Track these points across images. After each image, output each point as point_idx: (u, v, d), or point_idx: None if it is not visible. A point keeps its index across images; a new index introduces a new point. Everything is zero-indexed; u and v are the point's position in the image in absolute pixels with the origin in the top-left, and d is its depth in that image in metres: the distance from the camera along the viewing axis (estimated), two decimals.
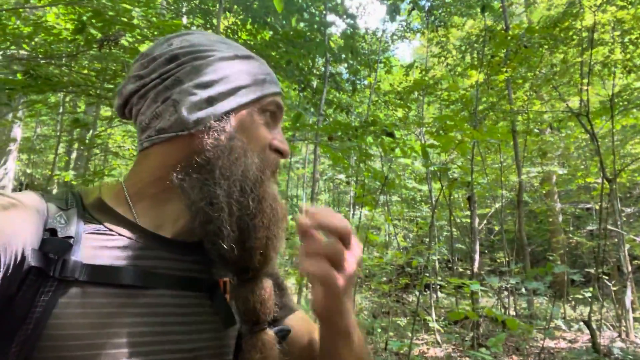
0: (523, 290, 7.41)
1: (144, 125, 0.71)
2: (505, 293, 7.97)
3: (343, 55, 6.04)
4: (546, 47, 7.13)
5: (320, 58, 5.72)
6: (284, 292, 0.87)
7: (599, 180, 7.68)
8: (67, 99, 9.33)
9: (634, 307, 7.41)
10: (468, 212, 8.84)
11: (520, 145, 8.69)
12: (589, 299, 6.41)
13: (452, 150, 4.11)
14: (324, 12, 5.86)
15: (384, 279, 9.42)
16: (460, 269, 10.47)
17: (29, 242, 0.57)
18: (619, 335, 6.59)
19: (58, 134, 10.43)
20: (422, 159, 4.31)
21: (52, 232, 0.61)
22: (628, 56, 7.61)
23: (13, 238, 0.55)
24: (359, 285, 7.81)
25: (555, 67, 7.92)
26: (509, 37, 5.92)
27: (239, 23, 5.93)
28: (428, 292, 8.06)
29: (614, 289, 7.03)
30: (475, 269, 6.58)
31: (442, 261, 10.72)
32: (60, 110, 9.37)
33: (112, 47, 3.77)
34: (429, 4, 8.73)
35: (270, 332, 0.70)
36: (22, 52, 4.66)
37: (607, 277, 6.93)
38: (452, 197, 8.71)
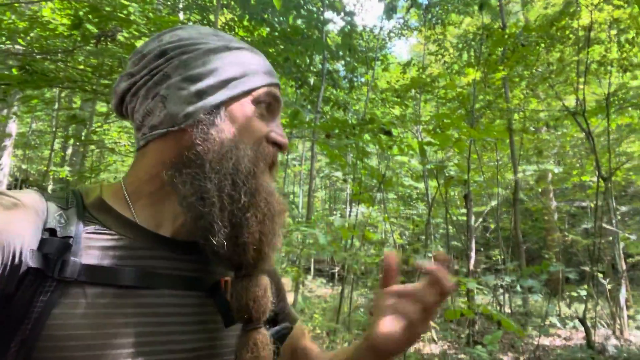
0: (518, 288, 7.44)
1: (139, 123, 0.71)
2: (501, 291, 8.00)
3: (340, 53, 6.03)
4: (543, 45, 7.14)
5: (317, 55, 5.71)
6: (281, 292, 0.86)
7: (595, 179, 7.72)
8: (63, 94, 9.29)
9: (628, 305, 7.46)
10: (464, 210, 8.86)
11: (516, 144, 8.72)
12: (584, 297, 6.45)
13: (448, 148, 4.12)
14: (322, 8, 5.85)
15: (380, 276, 9.45)
16: (456, 267, 10.48)
17: (27, 242, 0.57)
18: (613, 333, 6.63)
19: (54, 129, 10.38)
20: (419, 157, 4.31)
21: (52, 232, 0.60)
22: (624, 55, 7.63)
23: (11, 237, 0.55)
24: (356, 282, 7.83)
25: (552, 65, 7.94)
26: (506, 36, 5.93)
27: (236, 19, 5.91)
28: None
29: (609, 287, 7.07)
30: (472, 267, 6.60)
31: None
32: (56, 105, 9.33)
33: (109, 43, 3.75)
34: (426, 1, 8.73)
35: (264, 332, 0.68)
36: (17, 47, 4.63)
37: (601, 275, 6.96)
38: (448, 195, 8.73)
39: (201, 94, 0.67)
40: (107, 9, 3.76)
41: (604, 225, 7.14)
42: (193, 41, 0.70)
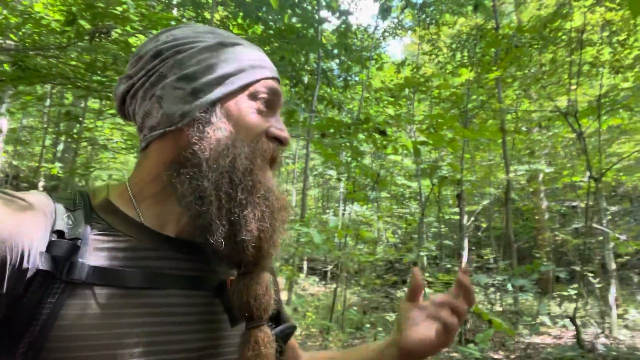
0: (509, 286, 7.51)
1: (139, 125, 0.72)
2: (492, 289, 8.07)
3: (335, 51, 6.03)
4: (536, 46, 7.19)
5: (312, 54, 5.71)
6: (277, 292, 0.87)
7: (585, 179, 7.79)
8: (55, 90, 9.20)
9: (617, 304, 7.55)
10: (456, 209, 8.91)
11: (508, 144, 8.77)
12: (574, 296, 6.52)
13: (441, 148, 4.14)
14: (316, 7, 5.85)
15: (374, 274, 9.49)
16: (448, 265, 10.55)
17: (36, 244, 0.57)
18: (603, 332, 6.71)
19: (45, 126, 10.28)
20: (413, 157, 4.33)
21: (60, 233, 0.60)
22: (616, 57, 7.70)
23: (20, 239, 0.55)
24: (349, 280, 7.85)
25: (545, 66, 8.00)
26: (500, 37, 5.96)
27: (230, 16, 5.89)
28: None
29: (598, 286, 7.15)
30: (463, 266, 6.64)
31: (429, 257, 10.80)
32: (48, 102, 9.24)
33: (103, 40, 3.73)
34: (420, 1, 8.75)
35: (266, 330, 0.68)
36: (9, 42, 4.59)
37: (591, 275, 7.05)
38: (440, 194, 8.77)
39: (197, 93, 0.67)
40: (101, 5, 3.73)
41: (594, 225, 7.22)
42: (188, 40, 0.70)
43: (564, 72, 7.81)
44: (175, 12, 6.33)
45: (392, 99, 8.59)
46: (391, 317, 8.11)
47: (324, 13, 5.54)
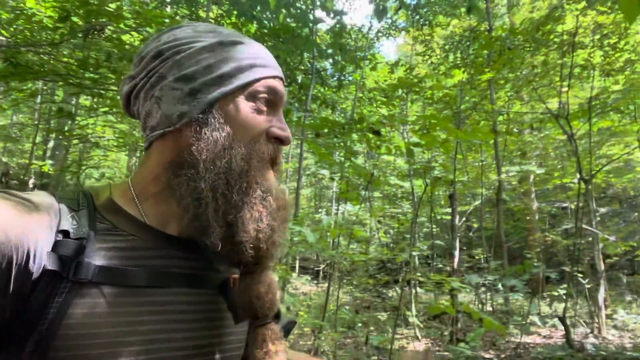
0: (500, 286, 7.57)
1: (143, 125, 0.73)
2: (483, 289, 8.12)
3: (329, 51, 6.04)
4: (528, 48, 7.25)
5: (307, 53, 5.71)
6: None
7: (576, 181, 7.88)
8: (46, 87, 9.12)
9: (606, 305, 7.64)
10: (448, 209, 8.96)
11: (500, 145, 8.84)
12: (564, 296, 6.58)
13: (434, 148, 4.17)
14: (311, 7, 5.85)
15: (366, 274, 9.51)
16: (440, 265, 10.60)
17: (41, 244, 0.57)
18: (592, 332, 6.78)
19: (36, 122, 10.18)
20: (406, 157, 4.35)
21: (65, 233, 0.61)
22: (607, 60, 7.79)
23: (25, 239, 0.55)
24: (342, 280, 7.87)
25: (537, 68, 8.07)
26: (493, 39, 6.01)
27: (224, 14, 5.87)
28: (408, 287, 8.17)
29: (588, 286, 7.23)
30: (455, 266, 6.69)
31: (421, 257, 10.85)
32: (38, 98, 9.15)
33: (97, 37, 3.71)
34: (414, 1, 8.78)
35: (273, 327, 0.68)
36: (0, 38, 4.54)
37: (581, 275, 7.12)
38: (433, 195, 8.81)
39: (195, 93, 0.67)
40: (95, 2, 3.70)
41: (584, 226, 7.29)
42: (187, 40, 0.70)
43: (555, 75, 7.89)
44: (168, 10, 6.30)
45: (385, 99, 8.61)
46: (383, 316, 8.14)
47: (319, 13, 5.54)
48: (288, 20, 5.35)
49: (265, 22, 5.19)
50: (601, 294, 6.93)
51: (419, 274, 7.99)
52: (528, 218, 11.56)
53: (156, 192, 0.69)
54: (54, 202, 0.63)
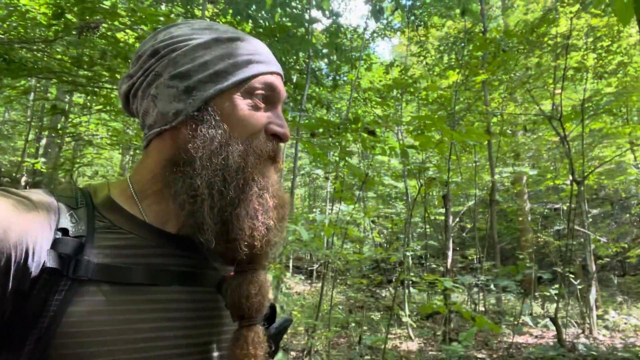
0: (492, 286, 7.61)
1: (141, 124, 0.73)
2: (476, 289, 8.16)
3: (325, 51, 6.05)
4: (522, 49, 7.30)
5: (302, 53, 5.71)
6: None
7: (568, 182, 7.93)
8: (39, 84, 9.06)
9: (597, 305, 7.70)
10: (442, 210, 9.00)
11: (494, 146, 8.89)
12: (556, 297, 6.63)
13: (428, 149, 4.18)
14: (307, 6, 5.85)
15: (360, 274, 9.52)
16: (433, 265, 10.65)
17: (40, 241, 0.57)
18: (583, 332, 6.84)
19: (28, 119, 10.10)
20: (400, 158, 4.37)
21: (64, 231, 0.61)
22: (600, 62, 7.85)
23: (24, 237, 0.55)
24: (335, 280, 7.88)
25: (530, 70, 8.12)
26: (488, 41, 6.04)
27: (220, 13, 5.86)
28: (401, 287, 8.19)
29: (579, 287, 7.28)
30: (449, 266, 6.72)
31: (415, 257, 10.88)
32: (31, 95, 9.09)
33: (92, 35, 3.69)
34: (409, 3, 8.79)
35: (257, 329, 0.68)
36: None
37: (572, 276, 7.17)
38: (427, 195, 8.84)
39: (190, 91, 0.67)
40: None
41: (576, 227, 7.35)
42: (183, 37, 0.69)
43: (549, 77, 7.94)
44: (163, 8, 6.27)
45: (380, 100, 8.63)
46: (376, 316, 8.16)
47: (314, 13, 5.55)
48: (284, 19, 5.35)
49: (261, 21, 5.19)
50: (592, 295, 6.99)
51: (412, 274, 8.02)
52: (521, 219, 11.63)
53: (155, 190, 0.70)
54: (52, 200, 0.63)
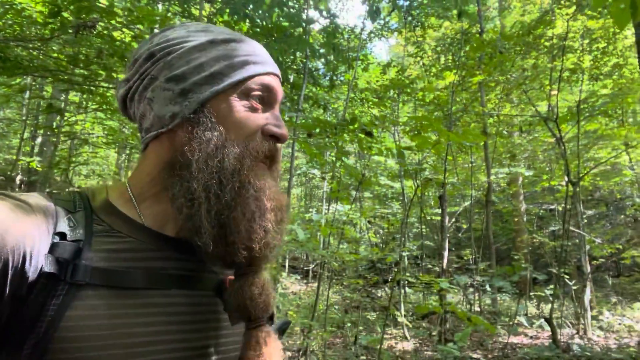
0: (487, 287, 7.64)
1: (139, 127, 0.73)
2: (471, 290, 8.19)
3: (322, 51, 6.04)
4: (519, 50, 7.32)
5: (299, 53, 5.71)
6: None
7: (563, 183, 7.96)
8: (34, 82, 9.01)
9: (592, 306, 7.74)
10: (438, 210, 9.02)
11: (490, 147, 8.91)
12: (550, 297, 6.66)
13: (425, 149, 4.19)
14: (304, 6, 5.84)
15: (355, 274, 9.53)
16: (429, 265, 10.67)
17: (38, 246, 0.57)
18: (578, 333, 6.87)
19: (24, 118, 10.06)
20: (397, 158, 4.37)
21: (62, 235, 0.60)
22: (596, 64, 7.89)
23: (22, 241, 0.55)
24: (331, 280, 7.89)
25: (527, 72, 8.15)
26: (486, 43, 6.05)
27: (217, 13, 5.84)
28: (397, 287, 8.21)
29: (574, 288, 7.32)
30: (444, 266, 6.73)
31: (410, 257, 10.90)
32: (27, 94, 9.05)
33: (89, 34, 3.68)
34: (407, 3, 8.81)
35: (267, 329, 0.68)
36: None
37: (567, 277, 7.21)
38: (423, 196, 8.87)
39: (186, 93, 0.67)
40: None
41: (571, 228, 7.38)
42: (179, 40, 0.69)
43: (545, 78, 7.97)
44: (160, 7, 6.25)
45: (377, 100, 8.64)
46: (372, 316, 8.17)
47: (312, 13, 5.54)
48: (281, 19, 5.34)
49: (258, 20, 5.18)
50: (587, 296, 7.02)
51: (408, 274, 8.03)
52: (516, 220, 11.67)
53: (153, 193, 0.69)
54: (50, 204, 0.63)
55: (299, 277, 13.88)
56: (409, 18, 9.06)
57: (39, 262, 0.56)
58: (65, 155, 8.95)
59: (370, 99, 9.03)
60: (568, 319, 7.56)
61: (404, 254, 6.87)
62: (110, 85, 5.34)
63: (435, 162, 9.23)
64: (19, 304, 0.55)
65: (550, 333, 6.09)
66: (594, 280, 9.69)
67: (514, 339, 6.59)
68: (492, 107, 9.45)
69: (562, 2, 7.18)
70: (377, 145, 4.53)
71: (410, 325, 7.07)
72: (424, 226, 9.51)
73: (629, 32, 7.53)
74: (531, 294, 9.24)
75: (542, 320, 7.03)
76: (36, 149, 10.67)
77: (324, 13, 5.59)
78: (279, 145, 0.72)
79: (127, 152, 13.86)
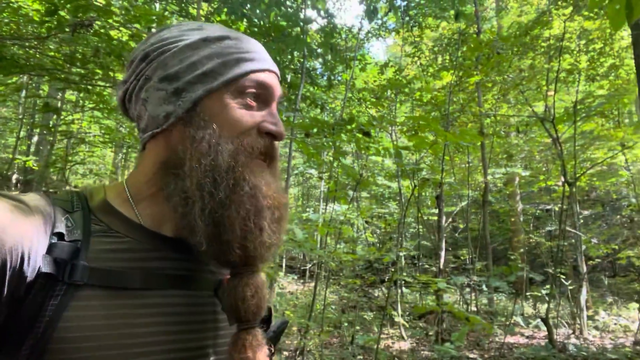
0: (484, 287, 7.65)
1: (137, 128, 0.73)
2: (468, 290, 8.20)
3: (319, 50, 6.04)
4: (516, 50, 7.34)
5: (297, 52, 5.71)
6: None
7: (560, 183, 7.99)
8: (31, 81, 8.98)
9: (587, 306, 7.77)
10: (435, 210, 9.03)
11: (486, 147, 8.94)
12: (547, 297, 6.68)
13: (422, 150, 4.20)
14: (302, 6, 5.84)
15: (353, 273, 9.53)
16: (426, 265, 10.68)
17: (36, 246, 0.57)
18: (574, 333, 6.90)
19: (20, 116, 10.02)
20: (394, 158, 4.38)
21: (60, 235, 0.60)
22: (593, 65, 7.91)
23: (19, 241, 0.55)
24: (328, 279, 7.89)
25: (524, 72, 8.17)
26: (483, 43, 6.07)
27: (214, 12, 5.83)
28: (394, 287, 8.22)
29: (570, 288, 7.34)
30: (441, 266, 6.75)
31: (407, 257, 10.92)
32: (23, 92, 9.02)
33: (86, 32, 3.66)
34: (404, 3, 8.82)
35: (256, 332, 0.66)
36: None
37: (564, 277, 7.23)
38: (420, 196, 8.88)
39: (179, 92, 0.66)
40: None
41: (568, 228, 7.41)
42: (172, 39, 0.69)
43: (542, 79, 8.00)
44: (157, 6, 6.24)
45: (374, 100, 8.65)
46: (369, 316, 8.18)
47: (309, 12, 5.53)
48: (278, 19, 5.34)
49: (256, 20, 5.17)
50: (583, 296, 7.05)
51: (405, 274, 8.04)
52: (513, 220, 11.71)
53: (151, 193, 0.69)
54: (48, 204, 0.63)
55: (296, 277, 13.87)
56: (407, 18, 9.07)
57: (37, 262, 0.56)
58: (62, 154, 8.93)
59: (367, 99, 9.04)
60: (564, 318, 7.58)
61: (401, 253, 6.88)
62: (107, 84, 5.32)
63: (432, 162, 9.23)
64: (17, 304, 0.55)
65: (546, 333, 6.11)
66: (590, 280, 9.73)
67: (510, 339, 6.61)
68: (489, 108, 9.48)
69: (559, 2, 7.20)
70: (374, 145, 4.53)
71: (407, 325, 7.08)
72: (421, 226, 9.52)
73: (625, 33, 7.56)
74: (527, 294, 9.27)
75: (539, 320, 7.06)
76: (32, 148, 10.63)
77: (322, 13, 5.59)
78: (276, 143, 0.71)
79: (124, 151, 13.84)
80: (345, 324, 7.19)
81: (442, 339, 5.92)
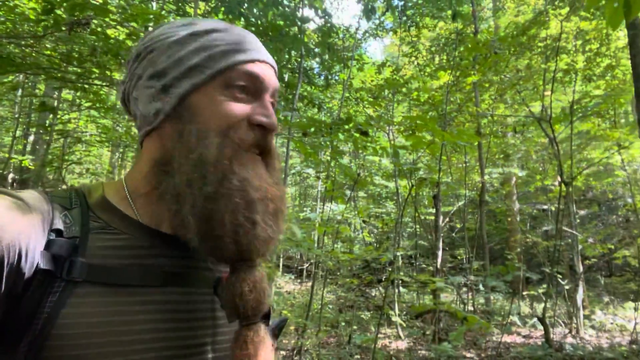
0: (481, 286, 7.67)
1: (136, 126, 0.73)
2: (465, 289, 8.23)
3: (317, 50, 6.04)
4: (513, 50, 7.36)
5: (295, 52, 5.71)
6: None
7: (556, 183, 8.02)
8: (27, 80, 8.94)
9: (584, 306, 7.80)
10: (432, 210, 9.05)
11: (483, 147, 8.95)
12: (543, 297, 6.70)
13: (420, 149, 4.20)
14: (299, 5, 5.84)
15: (350, 273, 9.54)
16: (423, 265, 10.70)
17: (34, 243, 0.56)
18: (570, 332, 6.92)
19: (16, 115, 9.98)
20: (392, 157, 4.38)
21: (58, 232, 0.60)
22: (589, 65, 7.94)
23: (18, 238, 0.55)
24: (326, 279, 7.89)
25: (521, 72, 8.19)
26: (480, 43, 6.08)
27: (211, 11, 5.83)
28: (391, 287, 8.23)
29: (567, 287, 7.36)
30: (438, 266, 6.76)
31: (405, 257, 10.93)
32: (19, 91, 8.98)
33: (82, 31, 3.65)
34: (402, 3, 8.82)
35: (258, 328, 0.65)
36: None
37: (560, 276, 7.25)
38: (417, 195, 8.89)
39: (167, 89, 0.66)
40: None
41: (564, 228, 7.43)
42: (162, 37, 0.69)
43: (538, 79, 8.02)
44: (154, 5, 6.22)
45: (372, 100, 8.66)
46: (366, 315, 8.18)
47: (307, 12, 5.54)
48: (276, 18, 5.34)
49: (253, 19, 5.17)
50: (579, 295, 7.08)
51: (402, 274, 8.05)
52: (509, 219, 11.74)
53: (147, 191, 0.69)
54: (46, 201, 0.63)
55: (293, 277, 13.87)
56: (404, 18, 9.08)
57: (35, 259, 0.56)
58: (58, 154, 8.89)
59: (365, 99, 9.04)
60: (561, 318, 7.60)
61: (398, 253, 6.88)
62: (104, 84, 5.31)
63: (429, 161, 9.25)
64: (15, 301, 0.55)
65: (543, 332, 6.13)
66: (586, 279, 9.76)
67: (507, 338, 6.62)
68: (486, 108, 9.50)
69: (556, 3, 7.23)
70: (372, 145, 4.54)
71: (404, 325, 7.08)
72: (418, 226, 9.53)
73: (622, 33, 7.59)
74: (524, 293, 9.29)
75: (535, 319, 7.07)
76: (29, 147, 10.60)
77: (319, 12, 5.59)
78: (269, 135, 0.69)
79: (121, 150, 13.81)
80: (343, 324, 7.19)
81: (440, 339, 5.93)
